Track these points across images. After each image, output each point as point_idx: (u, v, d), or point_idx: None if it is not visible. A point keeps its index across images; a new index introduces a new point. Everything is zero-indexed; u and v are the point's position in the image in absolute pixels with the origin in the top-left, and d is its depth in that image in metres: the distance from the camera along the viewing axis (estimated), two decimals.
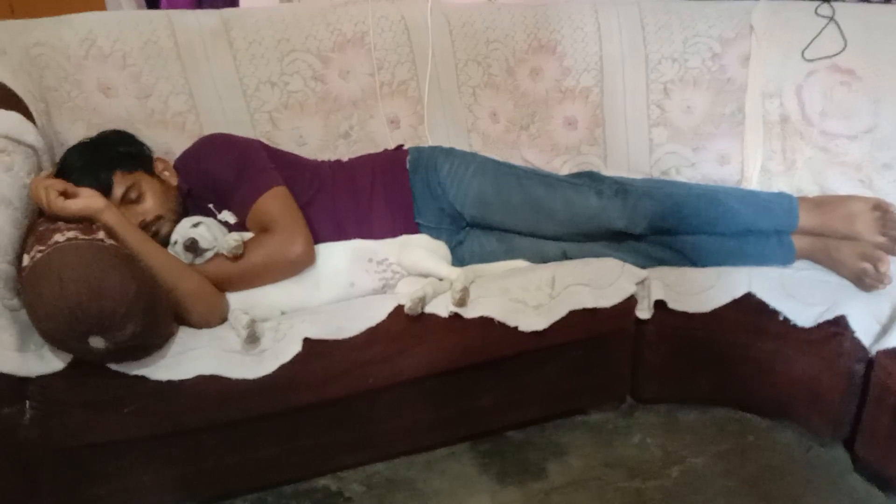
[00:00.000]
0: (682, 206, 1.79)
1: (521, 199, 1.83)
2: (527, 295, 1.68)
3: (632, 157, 2.34)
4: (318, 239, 1.75)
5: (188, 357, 1.47)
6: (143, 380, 1.42)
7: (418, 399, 1.66)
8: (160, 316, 1.42)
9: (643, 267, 1.79)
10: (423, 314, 1.60)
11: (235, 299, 1.66)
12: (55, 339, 1.32)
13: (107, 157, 1.67)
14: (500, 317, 1.64)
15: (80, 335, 1.29)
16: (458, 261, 1.87)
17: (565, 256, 1.83)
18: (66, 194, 1.48)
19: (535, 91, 2.28)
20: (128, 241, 1.50)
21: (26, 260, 1.35)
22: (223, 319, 1.63)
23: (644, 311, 1.77)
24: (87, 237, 1.36)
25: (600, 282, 1.73)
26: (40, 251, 1.33)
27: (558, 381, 1.78)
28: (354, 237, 1.83)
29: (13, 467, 1.42)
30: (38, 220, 1.52)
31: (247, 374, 1.48)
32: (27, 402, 1.38)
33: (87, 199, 1.49)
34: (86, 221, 1.48)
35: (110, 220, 1.50)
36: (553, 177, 1.86)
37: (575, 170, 2.34)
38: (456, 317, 1.61)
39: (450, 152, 1.95)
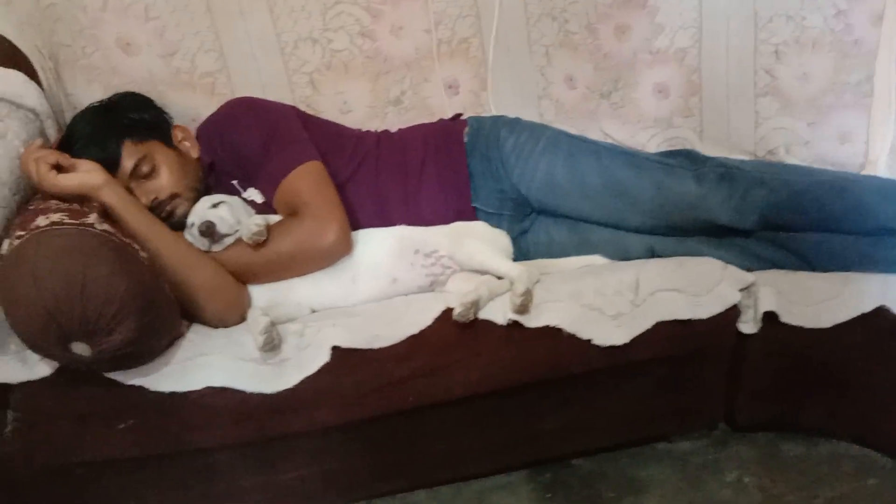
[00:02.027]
0: (802, 196, 1.45)
1: (601, 182, 1.52)
2: (604, 301, 1.38)
3: (733, 133, 1.98)
4: (357, 224, 1.49)
5: (197, 364, 1.25)
6: (142, 390, 1.20)
7: (468, 419, 1.40)
8: (160, 318, 1.19)
9: (749, 270, 1.46)
10: (475, 320, 1.33)
11: (258, 294, 1.42)
12: (33, 345, 1.10)
13: (117, 123, 1.44)
14: (570, 327, 1.35)
15: (60, 341, 1.07)
16: (521, 253, 1.58)
17: (652, 254, 1.52)
18: (60, 167, 1.26)
19: (619, 52, 1.94)
20: (130, 224, 1.28)
21: (5, 247, 1.14)
22: (243, 317, 1.39)
23: (749, 325, 1.45)
24: (74, 221, 1.13)
25: (696, 287, 1.42)
26: (19, 237, 1.11)
27: (637, 403, 1.48)
28: (400, 222, 1.56)
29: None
30: (34, 197, 1.31)
31: (264, 387, 1.25)
32: (8, 412, 1.18)
33: (83, 174, 1.27)
34: (84, 200, 1.26)
35: (110, 198, 1.27)
36: (641, 155, 1.54)
37: (665, 146, 2.01)
38: (516, 325, 1.33)
39: (515, 124, 1.65)
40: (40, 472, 1.23)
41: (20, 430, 1.18)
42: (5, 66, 1.42)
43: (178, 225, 1.44)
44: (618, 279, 1.41)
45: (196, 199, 1.46)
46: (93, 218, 1.16)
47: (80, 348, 1.09)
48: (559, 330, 1.34)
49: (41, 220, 1.12)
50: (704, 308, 1.41)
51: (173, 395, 1.21)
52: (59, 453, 1.21)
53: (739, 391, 1.53)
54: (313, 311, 1.44)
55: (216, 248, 1.38)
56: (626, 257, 1.54)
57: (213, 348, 1.28)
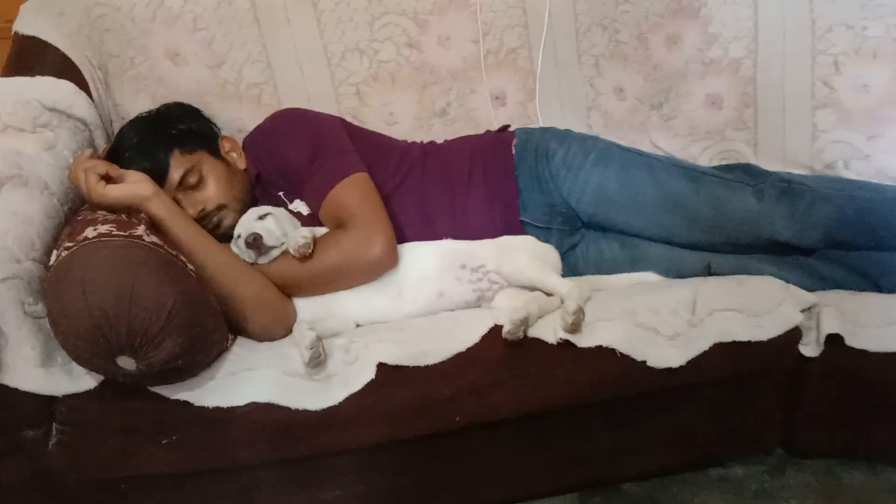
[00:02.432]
0: (869, 214, 1.38)
1: (655, 197, 1.47)
2: (659, 320, 1.33)
3: (789, 146, 1.90)
4: (402, 237, 1.47)
5: (242, 379, 1.23)
6: (186, 405, 1.19)
7: (516, 439, 1.35)
8: (207, 332, 1.17)
9: (811, 289, 1.39)
10: (525, 338, 1.28)
11: (304, 307, 1.40)
12: (79, 357, 1.09)
13: (165, 133, 1.44)
14: (624, 348, 1.30)
15: (107, 354, 1.06)
16: (570, 269, 1.54)
17: (709, 272, 1.46)
18: (108, 178, 1.25)
19: (671, 62, 1.88)
20: (178, 236, 1.27)
21: (53, 258, 1.13)
22: (289, 330, 1.38)
23: (811, 347, 1.38)
24: (122, 233, 1.12)
25: (756, 307, 1.35)
26: (67, 248, 1.10)
27: (691, 425, 1.42)
28: (445, 236, 1.53)
29: (45, 499, 1.22)
30: (83, 207, 1.31)
31: (309, 403, 1.22)
32: (53, 423, 1.17)
33: (131, 185, 1.26)
34: (132, 212, 1.25)
35: (158, 210, 1.26)
36: (697, 169, 1.48)
37: (717, 159, 1.94)
38: (567, 344, 1.29)
39: (565, 136, 1.61)
40: (85, 485, 1.22)
41: (65, 442, 1.17)
42: (57, 77, 1.43)
43: (225, 236, 1.43)
44: (674, 297, 1.36)
45: (243, 211, 1.45)
46: (141, 230, 1.15)
47: (126, 362, 1.07)
48: (612, 350, 1.29)
49: (89, 232, 1.11)
50: (765, 329, 1.34)
51: (217, 410, 1.19)
52: (103, 467, 1.19)
53: (798, 415, 1.45)
54: (358, 326, 1.41)
55: (262, 260, 1.37)
56: (680, 274, 1.48)
57: (259, 362, 1.25)
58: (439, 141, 1.74)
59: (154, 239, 1.15)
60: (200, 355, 1.16)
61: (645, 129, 1.94)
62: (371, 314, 1.42)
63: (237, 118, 1.71)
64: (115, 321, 1.03)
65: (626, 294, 1.40)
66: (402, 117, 1.81)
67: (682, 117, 1.93)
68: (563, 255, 1.54)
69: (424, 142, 1.72)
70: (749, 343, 1.33)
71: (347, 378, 1.24)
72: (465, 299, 1.44)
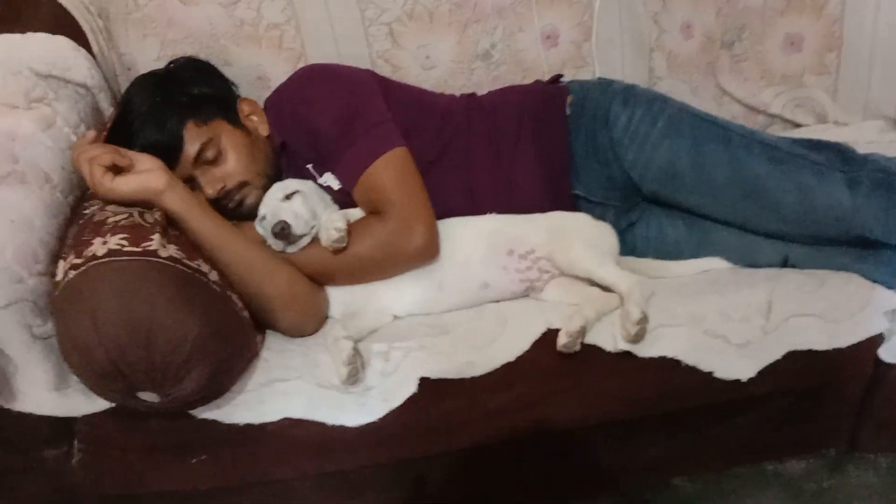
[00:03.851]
0: None
1: (731, 178, 1.29)
2: (729, 327, 1.21)
3: (872, 96, 1.71)
4: (444, 212, 1.32)
5: (274, 392, 1.13)
6: (215, 423, 1.10)
7: (566, 450, 1.27)
8: (236, 353, 1.07)
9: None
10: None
11: (336, 299, 1.29)
12: (95, 390, 0.99)
13: (177, 101, 1.26)
14: (690, 358, 1.18)
15: (125, 390, 0.96)
16: (627, 249, 1.39)
17: (785, 263, 1.31)
18: (116, 168, 1.10)
19: None
20: (197, 232, 1.13)
21: (60, 271, 1.00)
22: (321, 324, 1.27)
23: (894, 353, 1.26)
24: (135, 248, 0.99)
25: (837, 312, 1.22)
26: (74, 266, 0.97)
27: (753, 432, 1.33)
28: (490, 210, 1.38)
29: None
30: (89, 196, 1.16)
31: (346, 419, 1.13)
32: (75, 441, 1.09)
33: (142, 178, 1.11)
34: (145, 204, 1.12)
35: (173, 204, 1.12)
36: (782, 146, 1.29)
37: (790, 106, 1.76)
38: (626, 353, 1.17)
39: (629, 95, 1.39)
40: (109, 501, 1.16)
41: (87, 461, 1.09)
42: (51, 32, 1.24)
43: (249, 215, 1.29)
44: (746, 300, 1.23)
45: (267, 186, 1.30)
46: (156, 240, 1.01)
47: (149, 396, 0.97)
48: (677, 362, 1.17)
49: (97, 246, 0.98)
50: (844, 337, 1.23)
51: (248, 428, 1.11)
52: (128, 484, 1.13)
53: (868, 420, 1.35)
54: (395, 318, 1.30)
55: (291, 249, 1.23)
56: (752, 264, 1.33)
57: (291, 372, 1.15)
58: (481, 92, 1.55)
59: (171, 252, 1.02)
60: (229, 379, 1.06)
61: (712, 71, 1.74)
62: (410, 307, 1.30)
63: (256, 64, 1.53)
64: (132, 357, 0.93)
65: (692, 292, 1.26)
66: (440, 61, 1.61)
67: (755, 59, 1.72)
68: (621, 234, 1.38)
69: (465, 94, 1.52)
70: (826, 351, 1.21)
71: (387, 392, 1.14)
72: (513, 290, 1.31)
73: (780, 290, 1.23)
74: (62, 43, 1.24)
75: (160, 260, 0.99)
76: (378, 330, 1.25)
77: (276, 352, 1.19)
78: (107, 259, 0.96)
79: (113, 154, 1.10)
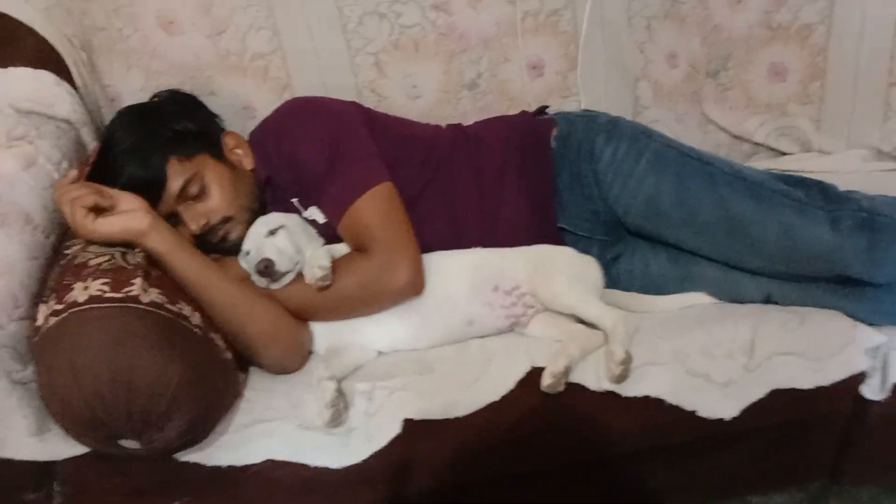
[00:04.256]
0: None
1: (715, 216, 1.30)
2: (712, 365, 1.21)
3: (855, 125, 1.72)
4: (428, 246, 1.32)
5: (257, 433, 1.12)
6: (197, 465, 1.09)
7: (546, 485, 1.26)
8: (218, 399, 1.07)
9: (877, 325, 1.26)
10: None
11: (321, 336, 1.29)
12: (76, 438, 0.98)
13: (160, 136, 1.25)
14: (673, 398, 1.19)
15: (106, 439, 0.96)
16: (612, 282, 1.39)
17: (769, 300, 1.32)
18: (99, 209, 1.10)
19: (733, 26, 1.68)
20: (180, 273, 1.13)
21: (41, 316, 1.00)
22: (304, 360, 1.27)
23: (874, 391, 1.27)
24: (116, 294, 0.98)
25: (820, 350, 1.23)
26: (55, 313, 0.97)
27: (736, 468, 1.33)
28: (475, 243, 1.38)
29: None
30: (70, 235, 1.16)
31: (329, 461, 1.13)
32: (54, 484, 1.08)
33: (125, 219, 1.10)
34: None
35: (156, 245, 1.11)
36: (765, 184, 1.29)
37: (774, 135, 1.77)
38: (610, 392, 1.18)
39: (613, 129, 1.40)
40: None
41: (68, 503, 1.08)
42: (33, 66, 1.24)
43: (233, 250, 1.29)
44: (730, 337, 1.23)
45: (251, 221, 1.30)
46: (137, 285, 1.01)
47: (129, 444, 0.97)
48: (661, 401, 1.18)
49: (78, 292, 0.97)
50: (827, 374, 1.23)
51: (231, 469, 1.10)
52: None
53: (851, 454, 1.36)
54: (380, 354, 1.30)
55: (275, 286, 1.23)
56: (735, 299, 1.34)
57: (273, 412, 1.14)
58: (467, 121, 1.55)
59: (153, 296, 1.01)
60: (211, 424, 1.05)
61: (697, 100, 1.75)
62: (394, 343, 1.29)
63: (242, 94, 1.52)
64: (112, 407, 0.92)
65: (676, 328, 1.27)
66: (426, 90, 1.61)
67: (739, 88, 1.73)
68: (606, 268, 1.38)
69: (451, 125, 1.52)
70: (809, 389, 1.22)
71: (370, 433, 1.14)
72: (497, 326, 1.31)
73: (762, 327, 1.24)
74: (45, 78, 1.24)
75: (141, 307, 0.98)
76: (362, 367, 1.25)
77: (259, 391, 1.19)
78: (87, 306, 0.95)
79: (95, 195, 1.09)
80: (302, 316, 1.26)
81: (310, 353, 1.29)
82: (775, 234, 1.26)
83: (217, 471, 1.10)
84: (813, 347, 1.23)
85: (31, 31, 1.28)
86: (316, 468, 1.12)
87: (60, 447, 1.04)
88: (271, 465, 1.11)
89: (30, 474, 1.06)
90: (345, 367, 1.22)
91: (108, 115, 1.40)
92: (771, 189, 1.29)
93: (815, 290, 1.29)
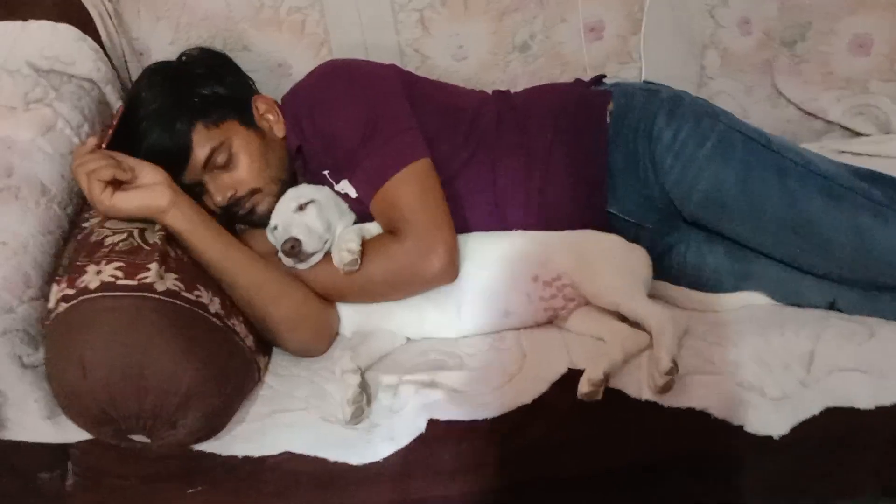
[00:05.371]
0: None
1: (782, 212, 1.18)
2: (765, 377, 1.12)
3: None
4: (467, 225, 1.25)
5: (275, 423, 1.07)
6: (213, 455, 1.05)
7: (580, 498, 1.20)
8: (236, 391, 1.02)
9: None
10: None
11: (348, 319, 1.23)
12: (84, 430, 0.94)
13: (187, 101, 1.18)
14: (721, 411, 1.10)
15: (117, 434, 0.92)
16: (663, 274, 1.30)
17: (833, 307, 1.21)
18: (118, 182, 1.03)
19: None
20: (201, 252, 1.07)
21: (52, 298, 0.95)
22: (331, 342, 1.22)
23: None
24: (130, 281, 0.92)
25: (886, 367, 1.12)
26: (66, 298, 0.91)
27: (781, 478, 1.25)
28: (517, 225, 1.29)
29: None
30: (88, 209, 1.10)
31: (349, 457, 1.07)
32: (69, 464, 1.06)
33: (144, 194, 1.04)
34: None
35: (177, 223, 1.05)
36: (839, 179, 1.17)
37: (850, 113, 1.62)
38: (651, 402, 1.10)
39: (676, 107, 1.27)
40: None
41: (82, 485, 1.06)
42: (54, 19, 1.16)
43: (261, 223, 1.23)
44: (789, 347, 1.13)
45: (281, 193, 1.24)
46: (153, 271, 0.94)
47: (141, 439, 0.93)
48: (707, 414, 1.10)
49: (91, 276, 0.92)
50: (892, 394, 1.13)
51: (247, 460, 1.06)
52: None
53: None
54: (409, 340, 1.24)
55: (302, 266, 1.17)
56: (796, 303, 1.23)
57: (295, 402, 1.10)
58: (515, 87, 1.44)
59: (169, 283, 0.95)
60: (226, 419, 1.01)
61: (769, 71, 1.61)
62: (425, 330, 1.23)
63: (276, 50, 1.44)
64: (122, 404, 0.88)
65: (730, 332, 1.17)
66: (473, 51, 1.50)
67: (817, 60, 1.59)
68: (657, 259, 1.28)
69: (497, 92, 1.41)
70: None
71: (393, 430, 1.08)
72: (536, 319, 1.23)
73: (825, 340, 1.13)
74: (66, 33, 1.16)
75: (156, 296, 0.92)
76: (390, 354, 1.19)
77: (281, 378, 1.14)
78: (99, 294, 0.90)
79: (113, 168, 1.02)
80: (329, 297, 1.20)
81: (336, 334, 1.23)
82: (848, 236, 1.15)
83: (233, 461, 1.05)
84: (880, 363, 1.12)
85: None
86: (335, 463, 1.07)
87: (73, 431, 1.00)
88: (289, 457, 1.06)
89: (44, 455, 1.03)
90: (371, 356, 1.16)
91: (135, 71, 1.33)
92: (845, 186, 1.16)
93: (886, 300, 1.18)
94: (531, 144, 1.31)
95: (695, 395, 1.10)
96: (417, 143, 1.20)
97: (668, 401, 1.09)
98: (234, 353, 1.02)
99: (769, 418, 1.11)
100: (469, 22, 1.46)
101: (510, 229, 1.30)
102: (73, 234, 1.05)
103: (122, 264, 0.94)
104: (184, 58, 1.26)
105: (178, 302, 0.94)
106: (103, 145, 1.12)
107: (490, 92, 1.41)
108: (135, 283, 0.92)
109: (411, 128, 1.21)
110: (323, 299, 1.20)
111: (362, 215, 1.25)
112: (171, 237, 1.05)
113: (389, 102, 1.22)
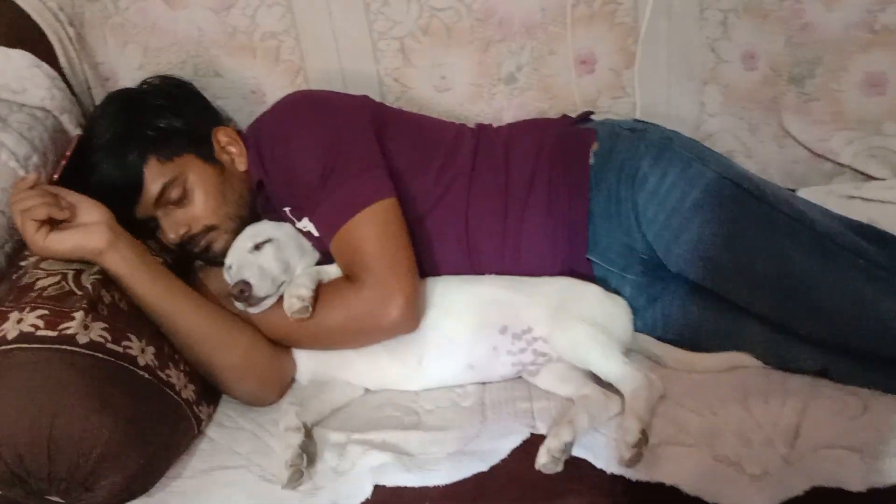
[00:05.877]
0: None
1: (772, 271, 1.09)
2: (745, 452, 1.02)
3: None
4: (435, 265, 1.19)
5: (213, 481, 1.01)
6: None
7: None
8: (162, 450, 0.95)
9: None
10: None
11: (304, 366, 1.17)
12: None
13: (141, 133, 1.13)
14: (694, 488, 1.01)
15: (30, 495, 0.86)
16: (645, 327, 1.21)
17: (824, 374, 1.11)
18: (54, 222, 0.98)
19: (827, 25, 1.43)
20: (141, 296, 1.02)
21: None
22: (283, 392, 1.17)
23: None
24: (50, 332, 0.87)
25: (879, 446, 1.02)
26: None
27: None
28: (491, 268, 1.21)
29: None
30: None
31: None
32: None
33: (81, 235, 0.99)
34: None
35: (115, 266, 1.00)
36: (836, 236, 1.07)
37: (862, 156, 1.52)
38: (617, 475, 1.01)
39: (663, 150, 1.19)
40: None
41: None
42: (6, 45, 1.12)
43: (217, 260, 1.17)
44: (773, 419, 1.04)
45: (238, 230, 1.18)
46: (77, 321, 0.89)
47: (59, 501, 0.87)
48: (678, 491, 1.01)
49: (10, 325, 0.87)
50: (884, 475, 1.02)
51: None
52: None
53: None
54: (367, 391, 1.17)
55: (253, 310, 1.10)
56: (785, 366, 1.14)
57: (236, 458, 1.04)
58: (500, 120, 1.37)
59: (94, 334, 0.89)
60: (154, 479, 0.94)
61: (774, 108, 1.50)
62: (384, 381, 1.17)
63: (250, 76, 1.38)
64: (31, 464, 0.82)
65: (710, 399, 1.08)
66: (456, 82, 1.43)
67: (827, 99, 1.48)
68: (639, 310, 1.20)
69: (478, 125, 1.34)
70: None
71: (337, 495, 1.01)
72: (501, 374, 1.16)
73: (812, 413, 1.04)
74: (19, 59, 1.12)
75: (75, 349, 0.87)
76: (343, 407, 1.13)
77: (225, 430, 1.08)
78: (14, 346, 0.84)
79: (48, 206, 0.97)
80: (283, 343, 1.14)
81: (291, 382, 1.17)
82: (843, 302, 1.05)
83: None
84: (872, 442, 1.02)
85: (9, 3, 1.15)
86: None
87: None
88: None
89: None
90: (321, 410, 1.10)
91: (99, 98, 1.28)
92: (841, 245, 1.07)
93: (882, 370, 1.08)
94: (509, 183, 1.24)
95: (666, 468, 1.01)
96: (382, 182, 1.13)
97: (637, 474, 1.01)
98: (164, 408, 0.95)
99: (748, 496, 1.02)
100: (452, 51, 1.39)
101: (483, 272, 1.22)
102: (10, 273, 1.00)
103: (45, 312, 0.89)
104: (144, 86, 1.21)
105: (99, 355, 0.88)
106: (56, 176, 1.08)
107: (472, 125, 1.34)
108: (55, 334, 0.87)
109: (376, 166, 1.14)
110: (275, 345, 1.13)
111: (327, 255, 1.19)
112: (109, 280, 0.99)
113: (355, 138, 1.15)
